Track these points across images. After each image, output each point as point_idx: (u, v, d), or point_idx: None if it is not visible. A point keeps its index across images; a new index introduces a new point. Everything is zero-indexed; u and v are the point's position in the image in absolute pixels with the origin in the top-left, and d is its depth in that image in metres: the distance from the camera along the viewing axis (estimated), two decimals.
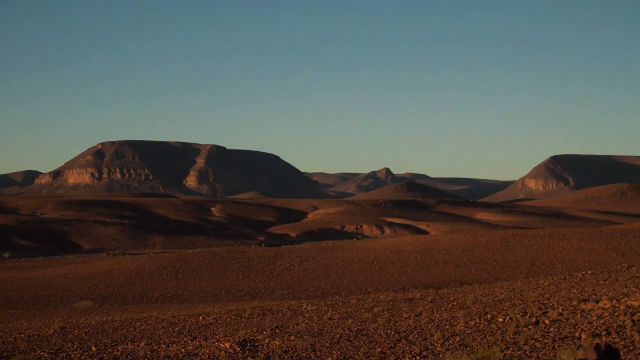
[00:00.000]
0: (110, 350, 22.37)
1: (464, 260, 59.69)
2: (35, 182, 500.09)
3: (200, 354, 20.79)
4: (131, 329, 26.86)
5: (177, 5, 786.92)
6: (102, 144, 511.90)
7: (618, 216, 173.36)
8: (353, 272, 57.21)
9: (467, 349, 18.46)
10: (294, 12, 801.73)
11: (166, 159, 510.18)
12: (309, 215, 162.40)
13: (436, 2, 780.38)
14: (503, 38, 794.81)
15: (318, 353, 19.58)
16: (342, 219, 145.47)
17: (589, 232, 72.86)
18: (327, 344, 20.63)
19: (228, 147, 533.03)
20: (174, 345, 22.28)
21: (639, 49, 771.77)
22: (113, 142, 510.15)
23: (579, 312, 21.36)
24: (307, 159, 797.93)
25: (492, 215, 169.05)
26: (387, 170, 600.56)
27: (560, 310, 21.97)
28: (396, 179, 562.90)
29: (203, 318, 28.55)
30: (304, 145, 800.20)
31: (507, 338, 18.99)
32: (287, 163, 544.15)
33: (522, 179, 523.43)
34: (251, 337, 22.69)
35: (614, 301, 21.87)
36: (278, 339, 22.05)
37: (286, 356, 19.59)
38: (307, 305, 30.73)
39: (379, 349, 19.34)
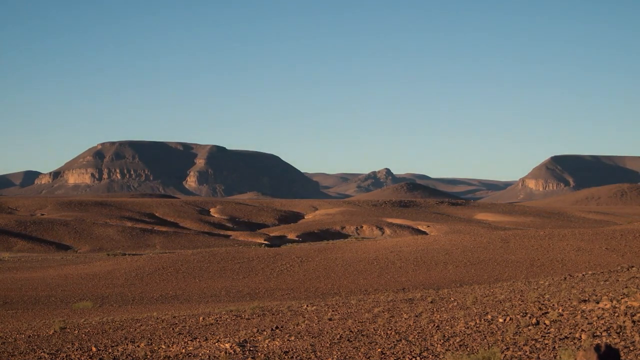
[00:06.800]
0: (110, 350, 22.37)
1: (464, 261, 59.68)
2: (35, 182, 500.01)
3: (200, 354, 20.79)
4: (131, 330, 26.85)
5: (177, 4, 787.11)
6: (102, 144, 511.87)
7: (618, 216, 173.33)
8: (353, 272, 57.20)
9: (467, 349, 18.45)
10: (294, 11, 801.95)
11: (166, 159, 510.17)
12: (309, 216, 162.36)
13: (436, 1, 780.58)
14: (504, 38, 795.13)
15: (318, 354, 19.57)
16: (342, 220, 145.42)
17: (589, 233, 72.81)
18: (327, 345, 20.62)
19: (228, 147, 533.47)
20: (174, 346, 22.28)
21: (639, 49, 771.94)
22: (113, 143, 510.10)
23: (579, 312, 21.35)
24: (307, 159, 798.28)
25: (492, 215, 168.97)
26: (388, 171, 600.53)
27: (560, 310, 21.96)
28: (396, 179, 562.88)
29: (203, 318, 28.54)
30: (304, 145, 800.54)
31: (507, 339, 18.98)
32: (287, 163, 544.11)
33: (522, 180, 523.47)
34: (251, 338, 22.69)
35: (614, 302, 21.86)
36: (278, 340, 22.05)
37: (286, 357, 19.58)
38: (307, 305, 30.72)
39: (379, 350, 19.33)
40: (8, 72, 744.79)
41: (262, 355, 19.88)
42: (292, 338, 22.13)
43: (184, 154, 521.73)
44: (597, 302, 22.26)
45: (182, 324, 27.61)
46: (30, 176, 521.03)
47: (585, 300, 23.07)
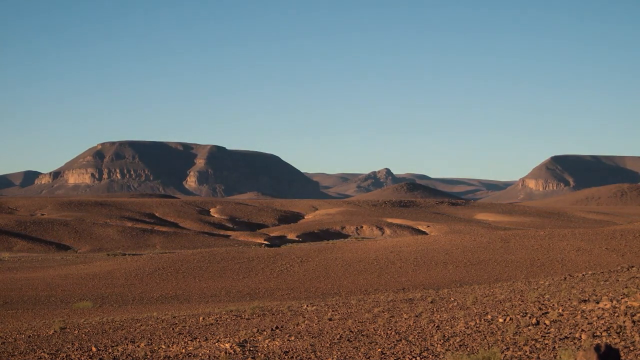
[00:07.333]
0: (110, 350, 22.37)
1: (464, 261, 59.68)
2: (35, 182, 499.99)
3: (200, 354, 20.79)
4: (131, 330, 26.85)
5: (177, 4, 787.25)
6: (102, 144, 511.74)
7: (618, 216, 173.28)
8: (353, 272, 57.20)
9: (467, 349, 18.45)
10: (294, 11, 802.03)
11: (166, 159, 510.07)
12: (309, 216, 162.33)
13: (435, 3, 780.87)
14: (503, 37, 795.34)
15: (318, 354, 19.57)
16: (342, 220, 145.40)
17: (589, 233, 72.81)
18: (327, 345, 20.62)
19: (228, 147, 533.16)
20: (174, 346, 22.28)
21: (639, 49, 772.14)
22: (113, 143, 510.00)
23: (579, 312, 21.35)
24: (307, 159, 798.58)
25: (492, 215, 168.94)
26: (388, 171, 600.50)
27: (560, 310, 21.96)
28: (396, 179, 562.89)
29: (203, 319, 28.55)
30: (304, 145, 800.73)
31: (507, 339, 18.99)
32: (287, 163, 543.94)
33: (523, 180, 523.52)
34: (251, 338, 22.68)
35: (614, 302, 21.86)
36: (278, 340, 22.05)
37: (286, 357, 19.58)
38: (307, 305, 30.72)
39: (379, 350, 19.34)
40: (8, 72, 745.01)
41: (262, 355, 19.88)
42: (292, 338, 22.13)
43: (184, 154, 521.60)
44: (597, 302, 22.26)
45: (182, 324, 27.61)
46: (30, 176, 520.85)
47: (585, 300, 23.07)
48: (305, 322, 25.28)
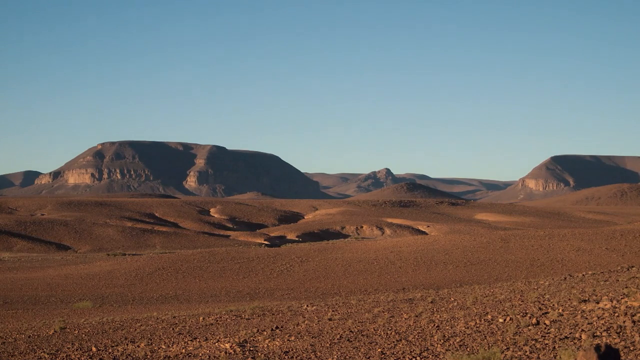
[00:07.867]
0: (110, 350, 22.37)
1: (464, 261, 59.68)
2: (35, 182, 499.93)
3: (200, 354, 20.79)
4: (131, 330, 26.85)
5: (177, 5, 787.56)
6: (102, 144, 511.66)
7: (618, 216, 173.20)
8: (353, 272, 57.20)
9: (468, 349, 18.45)
10: (294, 12, 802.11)
11: (166, 159, 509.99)
12: (309, 216, 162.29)
13: (435, 3, 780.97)
14: (502, 38, 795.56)
15: (318, 354, 19.57)
16: (342, 220, 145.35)
17: (588, 233, 72.80)
18: (327, 345, 20.62)
19: (228, 147, 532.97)
20: (174, 346, 22.28)
21: (639, 49, 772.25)
22: (113, 143, 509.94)
23: (579, 312, 21.35)
24: (307, 159, 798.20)
25: (492, 215, 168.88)
26: (388, 171, 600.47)
27: (560, 310, 21.96)
28: (396, 179, 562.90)
29: (203, 319, 28.54)
30: (304, 145, 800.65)
31: (508, 339, 18.98)
32: (287, 163, 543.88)
33: (523, 180, 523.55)
34: (251, 338, 22.68)
35: (614, 302, 21.86)
36: (278, 340, 22.04)
37: (286, 357, 19.58)
38: (307, 305, 30.72)
39: (379, 350, 19.33)
40: (8, 71, 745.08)
41: (262, 355, 19.88)
42: (292, 338, 22.13)
43: (184, 154, 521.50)
44: (597, 302, 22.26)
45: (182, 324, 27.61)
46: (30, 176, 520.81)
47: (585, 300, 23.07)
48: (305, 322, 25.27)
